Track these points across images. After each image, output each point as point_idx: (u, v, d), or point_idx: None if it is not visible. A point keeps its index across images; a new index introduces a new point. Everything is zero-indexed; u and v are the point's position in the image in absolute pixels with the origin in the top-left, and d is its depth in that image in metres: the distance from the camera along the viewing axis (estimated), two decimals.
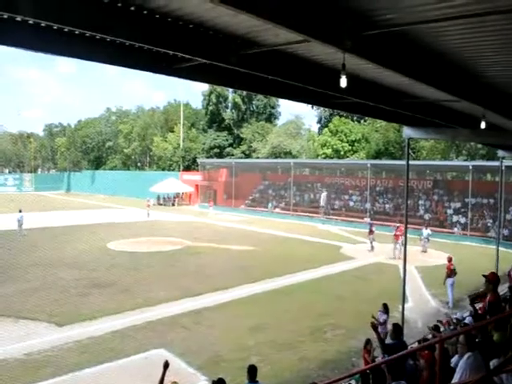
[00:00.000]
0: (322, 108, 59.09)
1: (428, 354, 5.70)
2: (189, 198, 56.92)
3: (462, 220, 33.78)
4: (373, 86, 9.23)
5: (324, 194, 42.81)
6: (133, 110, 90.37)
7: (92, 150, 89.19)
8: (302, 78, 8.08)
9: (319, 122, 64.63)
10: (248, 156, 62.56)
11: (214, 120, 69.08)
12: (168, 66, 7.27)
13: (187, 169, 64.77)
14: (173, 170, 66.80)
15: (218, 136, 67.34)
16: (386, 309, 11.46)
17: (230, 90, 65.98)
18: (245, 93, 63.37)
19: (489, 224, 32.22)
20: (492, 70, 7.47)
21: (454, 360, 6.25)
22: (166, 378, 6.20)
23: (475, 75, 7.74)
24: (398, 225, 26.89)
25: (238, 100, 67.10)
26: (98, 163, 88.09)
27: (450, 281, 16.62)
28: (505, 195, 26.55)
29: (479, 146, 37.60)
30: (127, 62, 7.02)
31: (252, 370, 6.79)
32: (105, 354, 11.25)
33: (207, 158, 63.32)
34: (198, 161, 59.28)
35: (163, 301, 15.71)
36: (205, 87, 70.05)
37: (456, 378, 4.67)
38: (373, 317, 11.15)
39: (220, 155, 64.97)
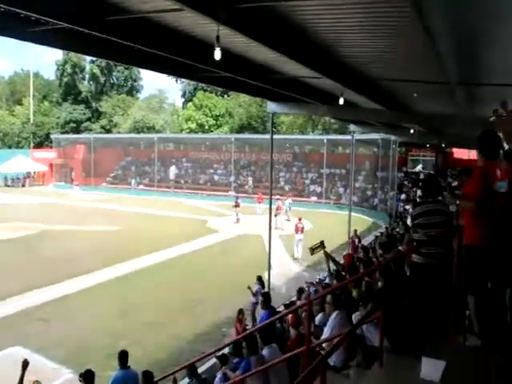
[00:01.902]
0: (186, 82, 58.25)
1: (293, 317, 5.99)
2: (42, 178, 51.88)
3: (318, 189, 36.65)
4: (241, 61, 9.18)
5: (173, 168, 42.99)
6: None
7: None
8: (171, 49, 7.70)
9: (183, 96, 63.59)
10: (108, 131, 59.01)
11: (70, 92, 63.31)
12: (21, 28, 6.32)
13: (39, 146, 58.73)
14: (22, 147, 59.95)
15: (74, 109, 61.96)
16: (260, 281, 12.03)
17: (88, 59, 61.13)
18: (104, 63, 59.14)
19: (341, 192, 35.42)
20: (350, 51, 7.91)
21: (318, 318, 6.72)
22: (25, 378, 5.58)
23: (336, 54, 8.11)
24: (277, 197, 28.45)
25: (97, 71, 62.33)
26: None
27: (297, 237, 19.20)
28: (355, 166, 29.24)
29: (333, 120, 40.66)
30: None
31: (123, 356, 6.48)
32: None
33: (62, 133, 58.08)
34: (52, 137, 54.08)
35: (17, 293, 14.13)
36: (58, 56, 63.67)
37: (326, 334, 4.97)
38: (249, 287, 11.60)
39: (77, 130, 60.12)
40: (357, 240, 16.93)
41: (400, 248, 8.15)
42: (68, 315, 12.69)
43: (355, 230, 17.71)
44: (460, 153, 30.97)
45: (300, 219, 20.27)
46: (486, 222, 3.66)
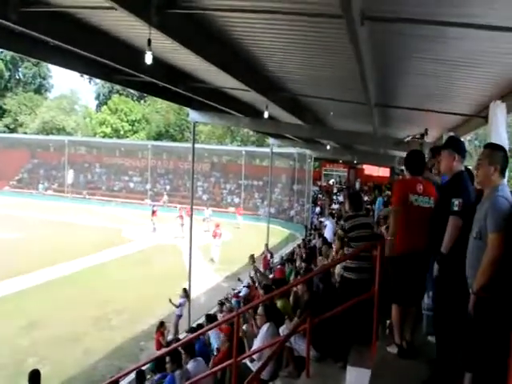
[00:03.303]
0: (100, 83, 56.00)
1: (228, 329, 5.97)
2: None
3: (236, 200, 36.94)
4: (165, 66, 9.13)
5: (71, 171, 41.86)
6: None
7: None
8: (92, 49, 7.39)
9: (97, 98, 60.96)
10: (13, 130, 54.71)
11: None
12: None
13: None
14: None
15: None
16: (185, 293, 11.95)
17: None
18: (9, 57, 54.84)
19: (258, 203, 36.00)
20: (276, 66, 8.13)
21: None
22: None
23: (262, 68, 8.31)
24: (179, 206, 27.84)
25: (0, 65, 57.62)
26: None
27: (215, 242, 20.68)
28: (272, 178, 29.91)
29: (251, 133, 41.36)
30: None
31: (34, 376, 6.03)
32: None
33: None
34: None
35: None
36: None
37: (257, 346, 5.01)
38: (170, 301, 11.41)
39: None
40: (269, 255, 16.48)
41: (321, 258, 8.50)
42: None
43: (266, 245, 17.15)
44: (370, 169, 32.98)
45: (218, 225, 21.39)
46: (403, 232, 3.85)
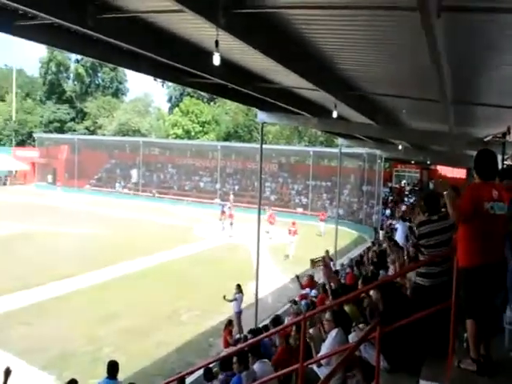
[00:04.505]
0: (172, 86, 58.05)
1: (284, 333, 5.91)
2: (24, 177, 50.86)
3: (304, 201, 36.69)
4: (234, 67, 9.16)
5: (134, 171, 43.58)
6: None
7: None
8: (163, 52, 7.62)
9: (169, 100, 63.35)
10: (93, 132, 58.31)
11: (54, 91, 62.37)
12: (8, 22, 6.19)
13: (21, 144, 57.61)
14: (3, 145, 58.83)
15: (58, 109, 60.97)
16: (239, 288, 12.03)
17: (73, 58, 60.45)
18: (89, 63, 58.52)
19: (326, 204, 35.48)
20: (347, 64, 7.90)
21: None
22: None
23: (333, 67, 8.12)
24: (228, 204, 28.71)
25: (82, 71, 61.57)
26: None
27: (290, 239, 21.44)
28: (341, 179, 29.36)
29: (319, 133, 40.88)
30: None
31: (113, 366, 6.32)
32: None
33: (46, 132, 57.14)
34: (35, 135, 53.00)
35: None
36: (42, 53, 62.63)
37: (324, 351, 4.90)
38: (224, 297, 11.60)
39: (61, 130, 59.19)
40: (331, 263, 14.41)
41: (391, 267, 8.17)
42: (52, 319, 12.41)
43: (327, 251, 14.80)
44: (444, 170, 31.39)
45: (294, 223, 22.37)
46: (477, 243, 3.51)
